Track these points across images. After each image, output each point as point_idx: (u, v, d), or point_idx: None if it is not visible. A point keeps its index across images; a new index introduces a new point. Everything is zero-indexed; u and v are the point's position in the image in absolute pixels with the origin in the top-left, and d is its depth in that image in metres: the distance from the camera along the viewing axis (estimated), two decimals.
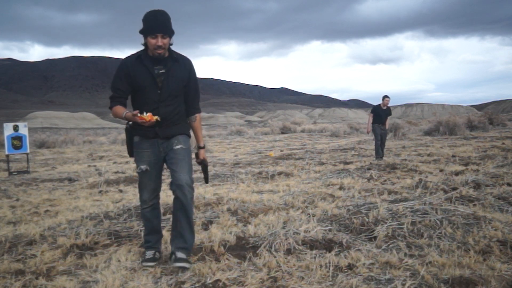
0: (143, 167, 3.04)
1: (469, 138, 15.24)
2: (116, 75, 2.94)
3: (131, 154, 3.14)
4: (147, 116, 2.75)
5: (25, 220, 4.88)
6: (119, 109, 2.94)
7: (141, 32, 2.85)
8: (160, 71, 2.91)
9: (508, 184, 5.50)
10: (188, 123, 3.19)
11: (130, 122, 3.00)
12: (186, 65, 3.02)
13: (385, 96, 10.34)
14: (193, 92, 3.10)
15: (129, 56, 2.98)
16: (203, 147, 3.22)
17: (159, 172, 3.15)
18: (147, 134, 2.99)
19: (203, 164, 3.25)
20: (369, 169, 7.62)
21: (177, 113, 3.05)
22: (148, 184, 3.12)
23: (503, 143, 11.83)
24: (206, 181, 3.32)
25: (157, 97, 2.93)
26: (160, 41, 2.80)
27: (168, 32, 2.83)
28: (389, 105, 10.40)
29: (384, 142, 10.38)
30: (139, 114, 2.74)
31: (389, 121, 10.68)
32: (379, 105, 10.33)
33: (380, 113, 10.22)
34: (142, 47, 2.99)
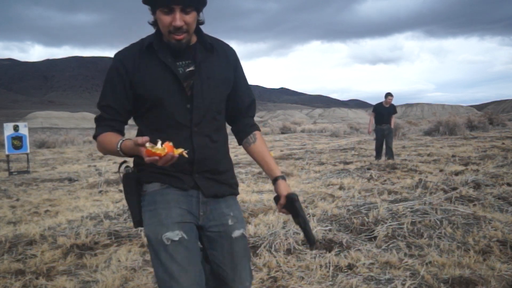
0: (176, 234, 1.51)
1: (469, 138, 15.23)
2: (106, 80, 1.61)
3: (139, 221, 1.61)
4: (163, 148, 1.33)
5: (25, 220, 4.89)
6: (110, 137, 1.55)
7: (146, 2, 1.52)
8: (187, 70, 1.57)
9: (508, 184, 5.51)
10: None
11: (127, 164, 1.66)
12: (229, 55, 1.70)
13: (388, 94, 9.85)
14: (246, 98, 1.75)
15: (129, 46, 1.62)
16: (284, 177, 1.72)
17: (198, 249, 1.62)
18: (178, 182, 1.58)
19: (296, 211, 1.66)
20: (369, 169, 7.62)
21: (223, 147, 1.70)
22: (187, 273, 1.50)
23: (503, 143, 11.82)
24: (311, 242, 1.70)
25: (187, 117, 1.56)
26: (178, 20, 1.47)
27: (194, 2, 1.50)
28: (392, 103, 9.88)
29: (390, 142, 9.79)
30: (147, 145, 1.32)
31: (394, 119, 10.16)
32: (381, 103, 9.86)
33: (382, 111, 9.78)
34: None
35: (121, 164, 1.66)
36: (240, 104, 1.74)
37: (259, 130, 1.80)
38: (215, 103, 1.62)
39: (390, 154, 9.67)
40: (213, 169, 1.64)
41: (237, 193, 1.76)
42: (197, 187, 1.60)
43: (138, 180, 1.61)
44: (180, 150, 1.36)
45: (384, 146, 9.84)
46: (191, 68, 1.57)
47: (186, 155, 1.39)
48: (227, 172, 1.71)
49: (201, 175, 1.61)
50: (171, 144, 1.34)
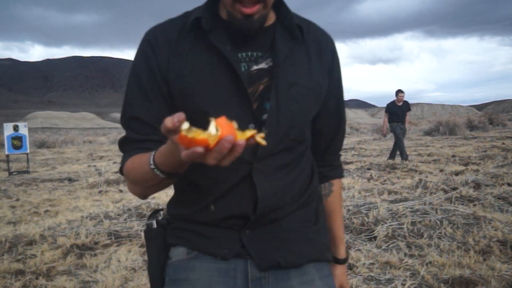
0: None
1: (469, 138, 15.23)
2: (131, 78, 0.94)
3: None
4: (215, 135, 0.61)
5: (25, 220, 4.89)
6: (140, 158, 0.86)
7: None
8: (255, 67, 0.91)
9: (508, 184, 5.51)
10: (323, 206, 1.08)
11: (162, 211, 1.05)
12: (323, 48, 0.99)
13: (399, 91, 9.28)
14: (335, 120, 1.08)
15: (166, 21, 0.94)
16: (345, 261, 1.14)
17: None
18: (213, 245, 0.95)
19: None
20: (369, 169, 7.63)
21: (302, 189, 0.99)
22: None
23: (503, 143, 11.83)
24: None
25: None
26: None
27: None
28: (405, 99, 9.44)
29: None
30: (183, 128, 0.61)
31: (408, 118, 9.64)
32: (394, 101, 9.44)
33: (395, 110, 9.36)
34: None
35: (152, 213, 1.04)
36: (324, 130, 1.06)
37: (341, 176, 1.14)
38: (298, 127, 0.94)
39: (392, 155, 9.63)
40: (281, 220, 0.96)
41: (326, 259, 1.03)
42: (245, 253, 0.94)
43: (164, 241, 1.00)
44: (250, 133, 0.67)
45: (391, 146, 9.65)
46: (261, 65, 0.91)
47: (264, 142, 0.67)
48: (308, 223, 1.00)
49: (255, 231, 0.94)
50: (233, 122, 0.65)
